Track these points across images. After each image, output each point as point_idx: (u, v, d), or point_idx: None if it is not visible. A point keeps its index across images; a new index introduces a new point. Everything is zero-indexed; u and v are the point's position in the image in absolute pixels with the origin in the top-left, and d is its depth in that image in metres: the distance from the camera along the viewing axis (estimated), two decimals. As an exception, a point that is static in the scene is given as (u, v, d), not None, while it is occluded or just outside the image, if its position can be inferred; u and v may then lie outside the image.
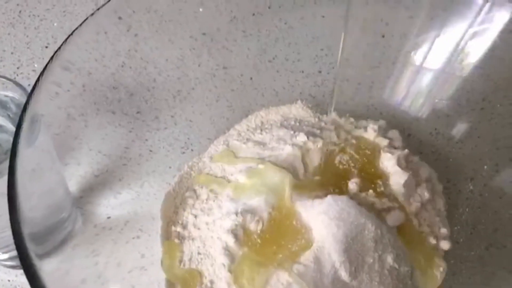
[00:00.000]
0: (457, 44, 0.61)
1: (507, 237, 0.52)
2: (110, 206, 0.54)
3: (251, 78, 0.68)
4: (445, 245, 0.46)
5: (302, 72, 0.68)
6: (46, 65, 0.45)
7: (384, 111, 0.64)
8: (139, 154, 0.59)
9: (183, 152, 0.60)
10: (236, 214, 0.44)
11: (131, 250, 0.51)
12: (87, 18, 0.56)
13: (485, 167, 0.57)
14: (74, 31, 0.52)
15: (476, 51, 0.59)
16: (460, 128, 0.60)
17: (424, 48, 0.64)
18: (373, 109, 0.65)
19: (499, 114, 0.59)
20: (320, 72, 0.68)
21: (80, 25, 0.52)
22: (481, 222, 0.53)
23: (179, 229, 0.48)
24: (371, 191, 0.47)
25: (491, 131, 0.58)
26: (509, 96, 0.58)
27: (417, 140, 0.61)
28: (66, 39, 0.50)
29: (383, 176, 0.48)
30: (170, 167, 0.58)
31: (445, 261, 0.48)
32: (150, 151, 0.60)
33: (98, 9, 0.54)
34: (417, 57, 0.65)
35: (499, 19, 0.55)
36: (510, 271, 0.50)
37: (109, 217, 0.54)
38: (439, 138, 0.60)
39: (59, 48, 0.48)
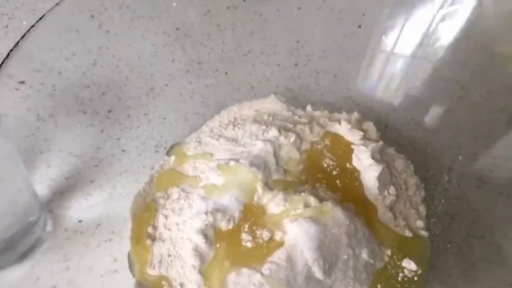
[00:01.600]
0: (428, 29, 0.60)
1: (485, 228, 0.51)
2: (81, 209, 0.53)
3: (226, 73, 0.66)
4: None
5: (278, 65, 0.67)
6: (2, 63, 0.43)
7: (361, 102, 0.63)
8: (111, 154, 0.58)
9: (157, 151, 0.59)
10: (206, 213, 0.43)
11: (103, 254, 0.50)
12: (53, 15, 0.54)
13: (463, 156, 0.56)
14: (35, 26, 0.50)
15: (448, 34, 0.58)
16: (437, 118, 0.59)
17: (398, 37, 0.63)
18: (350, 101, 0.64)
19: (477, 102, 0.58)
20: (296, 64, 0.67)
21: (40, 19, 0.50)
22: (459, 213, 0.53)
23: (150, 230, 0.46)
24: (343, 185, 0.45)
25: (469, 120, 0.58)
26: (486, 83, 0.57)
27: (395, 131, 0.60)
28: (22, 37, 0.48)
29: (356, 171, 0.47)
30: (143, 167, 0.57)
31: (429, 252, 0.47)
32: (123, 150, 0.58)
33: (57, 4, 0.51)
34: (391, 46, 0.64)
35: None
36: (490, 262, 0.49)
37: (80, 221, 0.52)
38: (417, 128, 0.59)
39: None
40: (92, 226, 0.52)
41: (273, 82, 0.66)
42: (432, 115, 0.60)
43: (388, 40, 0.63)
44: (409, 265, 0.41)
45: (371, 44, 0.65)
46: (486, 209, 0.52)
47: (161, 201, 0.48)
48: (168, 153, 0.54)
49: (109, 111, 0.60)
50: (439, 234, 0.50)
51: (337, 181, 0.47)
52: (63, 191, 0.54)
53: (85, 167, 0.56)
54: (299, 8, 0.68)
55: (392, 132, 0.61)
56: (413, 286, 0.43)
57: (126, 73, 0.63)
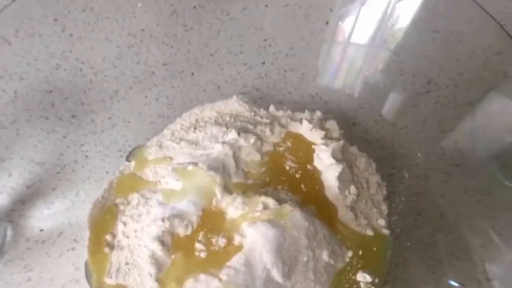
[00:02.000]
0: (396, 26, 0.59)
1: (453, 222, 0.51)
2: (43, 217, 0.52)
3: (192, 74, 0.65)
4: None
5: (245, 64, 0.66)
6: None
7: (328, 99, 0.63)
8: (74, 160, 0.57)
9: (121, 156, 0.58)
10: (163, 219, 0.42)
11: (65, 263, 0.49)
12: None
13: (430, 151, 0.55)
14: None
15: (415, 30, 0.57)
16: (405, 113, 0.59)
17: (366, 33, 0.62)
18: (317, 99, 0.63)
19: (444, 97, 0.58)
20: (263, 63, 0.66)
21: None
22: (427, 208, 0.52)
23: (108, 238, 0.45)
24: (305, 186, 0.44)
25: (436, 114, 0.57)
26: (454, 77, 0.57)
27: (362, 128, 0.60)
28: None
29: (317, 171, 0.46)
30: (107, 172, 0.56)
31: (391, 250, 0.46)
32: (86, 156, 0.57)
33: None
34: (359, 43, 0.63)
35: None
36: (458, 258, 0.49)
37: (42, 230, 0.51)
38: (384, 124, 0.59)
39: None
40: (54, 235, 0.51)
41: (240, 82, 0.65)
42: (400, 111, 0.59)
43: (356, 37, 0.63)
44: (364, 278, 0.41)
45: (339, 41, 0.64)
46: (453, 204, 0.52)
47: (121, 208, 0.47)
48: (127, 158, 0.53)
49: (72, 116, 0.59)
50: (405, 231, 0.49)
51: (299, 182, 0.46)
52: (25, 200, 0.53)
53: (47, 175, 0.55)
54: (266, 6, 0.67)
55: (359, 129, 0.60)
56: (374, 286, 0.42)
57: (90, 77, 0.62)
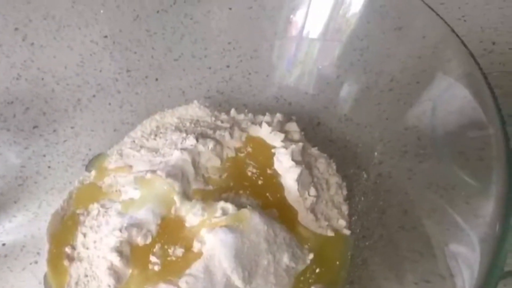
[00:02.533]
0: (360, 25, 0.60)
1: (416, 219, 0.51)
2: (5, 231, 0.51)
3: (156, 79, 0.65)
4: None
5: (210, 68, 0.66)
6: None
7: (293, 101, 0.63)
8: (36, 171, 0.56)
9: (84, 165, 0.57)
10: (121, 229, 0.41)
11: (28, 277, 0.49)
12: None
13: (394, 149, 0.56)
14: None
15: (377, 27, 0.58)
16: (369, 112, 0.59)
17: (330, 34, 0.63)
18: (282, 100, 0.63)
19: (407, 94, 0.58)
20: (228, 66, 0.66)
21: None
22: (391, 205, 0.53)
23: (68, 250, 0.44)
24: (266, 190, 0.44)
25: (400, 112, 0.58)
26: (417, 74, 0.57)
27: (327, 128, 0.60)
28: None
29: (277, 174, 0.46)
30: (70, 183, 0.55)
31: (352, 250, 0.46)
32: (49, 167, 0.57)
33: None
34: (324, 43, 0.63)
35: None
36: (421, 254, 0.49)
37: (3, 244, 0.50)
38: (348, 124, 0.59)
39: None
40: (17, 249, 0.51)
41: (204, 86, 0.65)
42: (364, 109, 0.60)
43: (321, 37, 0.63)
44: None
45: (303, 42, 0.64)
46: (416, 200, 0.52)
47: (81, 219, 0.46)
48: (87, 168, 0.53)
49: (34, 127, 0.58)
50: (367, 230, 0.49)
51: (260, 186, 0.46)
52: (-14, 214, 0.52)
53: (9, 188, 0.54)
54: (230, 9, 0.67)
55: (324, 129, 0.60)
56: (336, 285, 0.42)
57: (52, 86, 0.62)
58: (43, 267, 0.48)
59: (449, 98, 0.51)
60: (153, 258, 0.41)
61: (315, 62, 0.63)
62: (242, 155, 0.49)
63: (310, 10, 0.63)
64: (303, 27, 0.62)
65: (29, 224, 0.52)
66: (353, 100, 0.61)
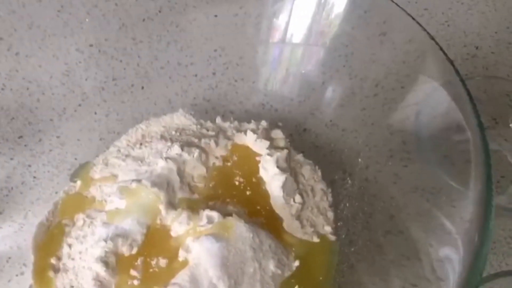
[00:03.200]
0: (344, 29, 0.60)
1: (403, 223, 0.52)
2: (-10, 243, 0.51)
3: (142, 88, 0.65)
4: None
5: (196, 75, 0.66)
6: None
7: (279, 107, 0.63)
8: (22, 182, 0.56)
9: (70, 175, 0.57)
10: (106, 240, 0.41)
11: (14, 289, 0.48)
12: None
13: (380, 154, 0.56)
14: None
15: (363, 33, 0.58)
16: (354, 117, 0.59)
17: (315, 40, 0.63)
18: (268, 106, 0.64)
19: (392, 99, 0.58)
20: (214, 74, 0.66)
21: None
22: (377, 210, 0.53)
23: (53, 261, 0.44)
24: (251, 198, 0.45)
25: (385, 117, 0.58)
26: (401, 79, 0.58)
27: (313, 133, 0.60)
28: None
29: (263, 182, 0.46)
30: (56, 193, 0.55)
31: (339, 255, 0.47)
32: (34, 177, 0.56)
33: None
34: (309, 49, 0.64)
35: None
36: (408, 258, 0.50)
37: (-11, 256, 0.50)
38: (334, 129, 0.59)
39: None
40: (2, 260, 0.50)
41: (190, 94, 0.65)
42: (349, 115, 0.60)
43: (304, 42, 0.63)
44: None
45: (288, 48, 0.64)
46: (402, 205, 0.53)
47: (67, 229, 0.46)
48: (71, 177, 0.52)
49: (19, 137, 0.58)
50: (354, 235, 0.50)
51: (245, 194, 0.46)
52: (-29, 226, 0.51)
53: (-6, 199, 0.53)
54: (216, 16, 0.67)
55: (310, 135, 0.61)
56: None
57: (37, 96, 0.61)
58: (29, 278, 0.47)
59: (433, 103, 0.52)
60: (138, 268, 0.41)
61: (300, 68, 0.63)
62: (227, 163, 0.49)
63: (293, 16, 0.63)
64: (286, 33, 0.62)
65: (15, 235, 0.51)
66: (338, 106, 0.62)
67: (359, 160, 0.57)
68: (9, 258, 0.50)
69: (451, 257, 0.46)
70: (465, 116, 0.41)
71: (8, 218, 0.53)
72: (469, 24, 0.73)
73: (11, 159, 0.57)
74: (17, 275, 0.49)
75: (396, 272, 0.49)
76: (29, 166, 0.57)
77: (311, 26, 0.62)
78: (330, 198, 0.50)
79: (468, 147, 0.44)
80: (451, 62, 0.42)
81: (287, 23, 0.63)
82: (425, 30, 0.45)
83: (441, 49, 0.43)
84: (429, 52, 0.47)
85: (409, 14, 0.47)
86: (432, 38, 0.44)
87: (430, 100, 0.54)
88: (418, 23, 0.46)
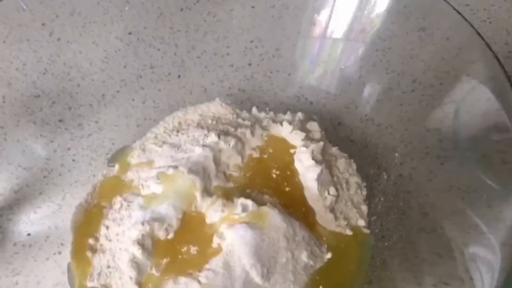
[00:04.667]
0: (382, 24, 0.59)
1: (437, 221, 0.51)
2: (30, 222, 0.53)
3: (179, 76, 0.66)
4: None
5: (232, 66, 0.66)
6: None
7: (314, 100, 0.63)
8: (61, 164, 0.57)
9: (108, 159, 0.58)
10: (143, 223, 0.42)
11: (52, 267, 0.50)
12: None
13: (415, 150, 0.55)
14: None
15: (401, 27, 0.57)
16: (390, 113, 0.59)
17: (353, 35, 0.62)
18: (303, 99, 0.64)
19: (429, 95, 0.58)
20: (250, 64, 0.66)
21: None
22: (412, 207, 0.52)
23: (91, 241, 0.46)
24: (285, 188, 0.45)
25: (422, 114, 0.57)
26: (440, 76, 0.57)
27: (348, 128, 0.60)
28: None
29: (297, 173, 0.46)
30: (94, 176, 0.56)
31: (371, 250, 0.46)
32: (73, 160, 0.58)
33: None
34: (346, 44, 0.63)
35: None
36: (441, 256, 0.49)
37: (29, 234, 0.52)
38: (369, 124, 0.59)
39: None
40: (41, 239, 0.52)
41: (226, 84, 0.65)
42: (385, 110, 0.59)
43: (344, 38, 0.63)
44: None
45: (325, 42, 0.64)
46: (437, 202, 0.52)
47: (104, 211, 0.47)
48: (109, 161, 0.54)
49: (60, 121, 0.60)
50: (387, 230, 0.49)
51: (279, 184, 0.46)
52: (12, 205, 0.53)
53: (34, 179, 0.55)
54: (253, 7, 0.68)
55: (345, 129, 0.60)
56: (354, 285, 0.42)
57: (77, 81, 0.63)
58: (66, 257, 0.49)
59: (473, 101, 0.51)
60: (173, 252, 0.42)
61: (338, 62, 0.63)
62: (262, 153, 0.49)
63: (334, 10, 0.63)
64: (326, 27, 0.62)
65: (53, 215, 0.53)
66: (374, 101, 0.61)
67: (395, 156, 0.57)
68: (47, 237, 0.52)
69: (486, 257, 0.45)
70: (509, 115, 0.40)
71: (47, 199, 0.54)
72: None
73: (51, 141, 0.59)
74: (54, 254, 0.51)
75: (428, 270, 0.49)
76: (69, 149, 0.58)
77: (351, 21, 0.61)
78: (364, 192, 0.50)
79: (507, 147, 0.43)
80: (497, 58, 0.41)
81: (327, 17, 0.63)
82: (470, 24, 0.44)
83: (486, 44, 0.42)
84: (472, 47, 0.46)
85: (454, 8, 0.46)
86: (478, 33, 0.43)
87: (469, 98, 0.53)
88: (463, 16, 0.45)
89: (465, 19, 0.44)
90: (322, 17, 0.63)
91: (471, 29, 0.44)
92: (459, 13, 0.45)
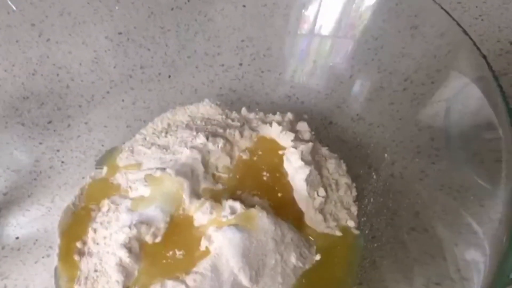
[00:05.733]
0: (373, 22, 0.59)
1: (428, 221, 0.51)
2: (19, 225, 0.52)
3: (169, 76, 0.65)
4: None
5: (222, 65, 0.66)
6: None
7: (306, 100, 0.63)
8: (50, 166, 0.57)
9: (96, 161, 0.58)
10: (130, 226, 0.42)
11: (40, 270, 0.49)
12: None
13: (407, 149, 0.55)
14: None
15: (392, 26, 0.57)
16: (382, 112, 0.58)
17: (342, 34, 0.62)
18: (294, 99, 0.63)
19: (421, 94, 0.57)
20: (241, 64, 0.66)
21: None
22: (402, 207, 0.52)
23: (79, 245, 0.45)
24: (274, 190, 0.44)
25: (413, 112, 0.57)
26: (431, 74, 0.56)
27: (339, 127, 0.60)
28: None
29: (287, 174, 0.46)
30: (83, 178, 0.56)
31: (361, 251, 0.46)
32: (62, 162, 0.57)
33: None
34: (336, 42, 0.63)
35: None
36: (432, 256, 0.49)
37: (17, 237, 0.51)
38: (361, 123, 0.58)
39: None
40: (30, 243, 0.51)
41: (217, 84, 0.65)
42: (376, 109, 0.59)
43: (334, 35, 0.62)
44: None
45: (316, 40, 0.64)
46: (428, 202, 0.52)
47: (92, 214, 0.47)
48: (97, 163, 0.53)
49: (49, 122, 0.59)
50: (378, 231, 0.49)
51: (268, 186, 0.46)
52: (0, 208, 0.53)
53: (23, 182, 0.55)
54: (244, 6, 0.67)
55: (336, 128, 0.60)
56: (344, 286, 0.42)
57: (67, 82, 0.62)
58: (55, 260, 0.48)
59: (464, 99, 0.51)
60: (161, 255, 0.42)
61: (329, 61, 0.63)
62: (251, 154, 0.49)
63: (326, 9, 0.62)
64: (318, 26, 0.61)
65: (42, 218, 0.52)
66: (366, 100, 0.61)
67: (386, 155, 0.56)
68: (36, 240, 0.51)
69: (477, 257, 0.45)
70: (497, 114, 0.39)
71: (36, 201, 0.54)
72: (504, 19, 0.71)
73: (40, 143, 0.58)
74: (43, 257, 0.50)
75: (419, 270, 0.49)
76: (58, 151, 0.58)
77: (341, 19, 0.61)
78: (354, 193, 0.49)
79: (499, 145, 0.43)
80: (484, 57, 0.40)
81: (317, 15, 0.63)
82: (458, 24, 0.44)
83: (474, 43, 0.42)
84: (461, 46, 0.46)
85: (442, 8, 0.46)
86: (465, 33, 0.43)
87: (460, 97, 0.52)
88: (451, 16, 0.45)
89: (453, 19, 0.44)
90: (311, 15, 0.63)
91: (459, 29, 0.43)
92: (447, 13, 0.45)
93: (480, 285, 0.39)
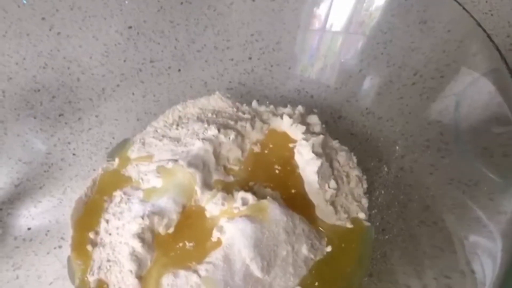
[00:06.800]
0: (383, 17, 0.59)
1: (438, 214, 0.51)
2: (31, 216, 0.53)
3: (179, 70, 0.66)
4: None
5: (232, 59, 0.66)
6: None
7: (315, 93, 0.63)
8: (61, 158, 0.57)
9: (108, 153, 0.58)
10: (143, 217, 0.42)
11: (52, 261, 0.50)
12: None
13: (416, 143, 0.55)
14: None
15: (402, 20, 0.57)
16: (391, 106, 0.59)
17: (353, 28, 0.62)
18: (304, 93, 0.63)
19: (430, 88, 0.57)
20: (250, 58, 0.66)
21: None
22: (412, 200, 0.52)
23: (91, 235, 0.46)
24: (285, 182, 0.45)
25: (423, 106, 0.57)
26: (441, 69, 0.56)
27: (349, 121, 0.60)
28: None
29: (297, 166, 0.46)
30: (94, 170, 0.56)
31: (372, 243, 0.46)
32: (73, 154, 0.58)
33: None
34: (347, 37, 0.63)
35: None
36: (442, 249, 0.49)
37: (29, 228, 0.52)
38: (370, 117, 0.58)
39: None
40: (41, 233, 0.52)
41: (226, 77, 0.65)
42: (386, 103, 0.59)
43: (344, 30, 0.62)
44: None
45: (326, 35, 0.64)
46: (438, 196, 0.52)
47: (104, 205, 0.47)
48: (108, 155, 0.54)
49: (60, 115, 0.60)
50: (388, 223, 0.49)
51: (279, 178, 0.46)
52: (13, 199, 0.53)
53: (35, 173, 0.55)
54: (253, 0, 0.67)
55: (345, 122, 0.60)
56: (354, 278, 0.42)
57: (77, 75, 0.63)
58: (66, 251, 0.49)
59: (474, 93, 0.51)
60: (173, 246, 0.42)
61: (338, 55, 0.63)
62: (262, 146, 0.49)
63: (334, 3, 0.62)
64: (326, 20, 0.61)
65: (54, 209, 0.53)
66: (375, 94, 0.61)
67: (395, 149, 0.56)
68: (48, 231, 0.52)
69: (487, 251, 0.45)
70: (510, 106, 0.39)
71: (48, 193, 0.54)
72: (514, 14, 0.70)
73: (52, 136, 0.59)
74: (55, 248, 0.51)
75: (429, 263, 0.49)
76: (69, 143, 0.58)
77: (351, 14, 0.61)
78: (365, 185, 0.50)
79: (508, 139, 0.43)
80: (499, 50, 0.40)
81: (326, 10, 0.62)
82: (471, 15, 0.44)
83: (488, 35, 0.42)
84: (473, 39, 0.46)
85: (455, 0, 0.46)
86: (479, 24, 0.43)
87: (470, 91, 0.52)
88: (464, 8, 0.45)
89: (467, 11, 0.44)
90: (322, 10, 0.63)
91: (472, 21, 0.43)
92: (460, 5, 0.45)
93: (491, 278, 0.39)
